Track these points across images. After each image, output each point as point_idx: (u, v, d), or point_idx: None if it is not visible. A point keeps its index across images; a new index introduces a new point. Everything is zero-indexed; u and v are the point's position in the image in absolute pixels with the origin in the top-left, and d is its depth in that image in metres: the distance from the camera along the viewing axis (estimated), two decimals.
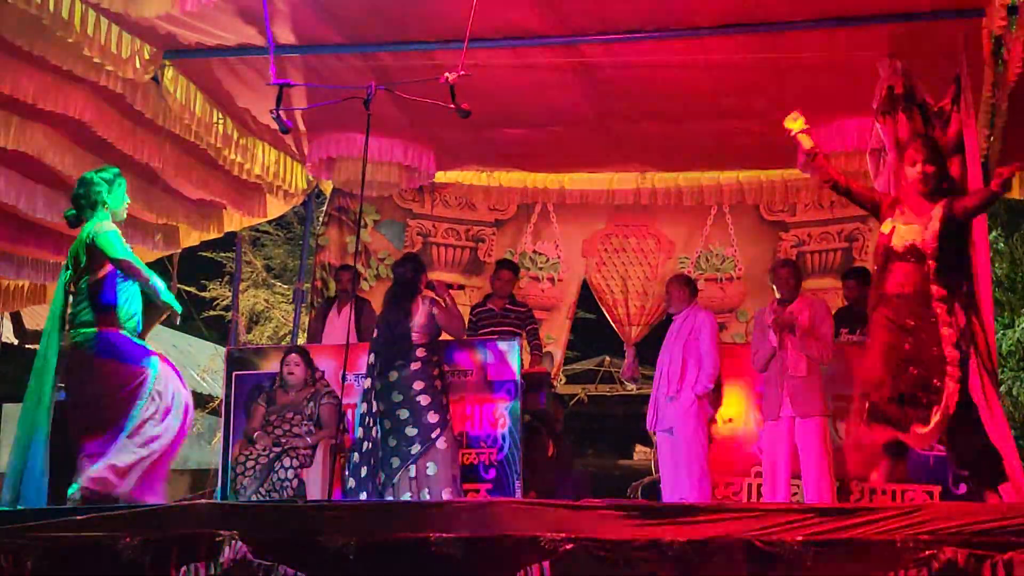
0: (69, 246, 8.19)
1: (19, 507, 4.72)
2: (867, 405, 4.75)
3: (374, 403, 6.06)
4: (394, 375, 6.00)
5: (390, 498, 5.81)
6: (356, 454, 6.06)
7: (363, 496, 5.88)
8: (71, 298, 5.04)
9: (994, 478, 4.71)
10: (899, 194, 5.00)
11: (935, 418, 4.59)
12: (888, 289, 4.79)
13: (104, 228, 5.04)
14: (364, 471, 5.99)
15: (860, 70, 5.66)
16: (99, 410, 4.89)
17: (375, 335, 6.24)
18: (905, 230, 4.78)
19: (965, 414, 4.64)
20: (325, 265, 8.90)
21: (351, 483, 6.04)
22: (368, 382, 6.14)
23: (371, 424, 6.04)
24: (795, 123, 5.03)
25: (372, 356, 6.17)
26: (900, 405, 4.66)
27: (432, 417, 5.93)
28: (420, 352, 6.04)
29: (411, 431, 5.89)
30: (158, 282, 5.12)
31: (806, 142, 5.04)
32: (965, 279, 4.84)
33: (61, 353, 4.99)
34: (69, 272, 5.06)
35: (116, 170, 5.23)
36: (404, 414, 5.93)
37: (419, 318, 6.08)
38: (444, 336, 6.31)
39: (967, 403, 4.66)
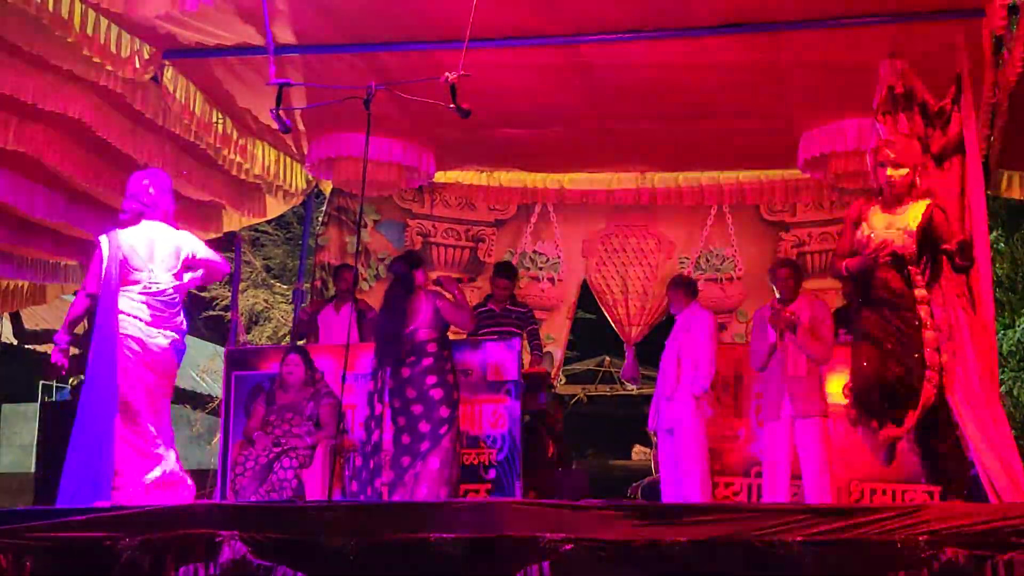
0: (69, 246, 8.21)
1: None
2: (850, 397, 4.83)
3: (377, 405, 6.01)
4: (407, 371, 5.96)
5: (397, 497, 5.79)
6: (360, 457, 6.03)
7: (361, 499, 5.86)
8: (151, 299, 5.11)
9: (959, 484, 4.80)
10: (870, 198, 5.03)
11: (908, 423, 4.62)
12: (873, 293, 4.81)
13: (198, 239, 5.33)
14: (364, 474, 5.97)
15: (860, 70, 5.66)
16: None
17: (377, 336, 6.20)
18: (885, 235, 4.82)
19: (938, 418, 4.70)
20: (325, 265, 8.90)
21: (354, 486, 6.02)
22: (371, 384, 6.09)
23: (374, 427, 6.00)
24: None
25: (374, 359, 6.14)
26: (881, 400, 4.69)
27: (444, 412, 5.89)
28: (431, 347, 5.99)
29: (424, 427, 5.85)
30: None
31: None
32: (946, 279, 4.87)
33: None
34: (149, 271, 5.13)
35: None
36: (418, 409, 5.88)
37: (424, 314, 6.04)
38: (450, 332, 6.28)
39: (942, 407, 4.71)
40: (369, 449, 5.99)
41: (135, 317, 5.02)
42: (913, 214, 4.83)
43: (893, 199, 4.87)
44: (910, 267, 4.71)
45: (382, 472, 5.96)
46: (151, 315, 5.07)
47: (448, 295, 6.15)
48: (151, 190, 5.22)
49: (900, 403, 4.67)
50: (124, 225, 5.19)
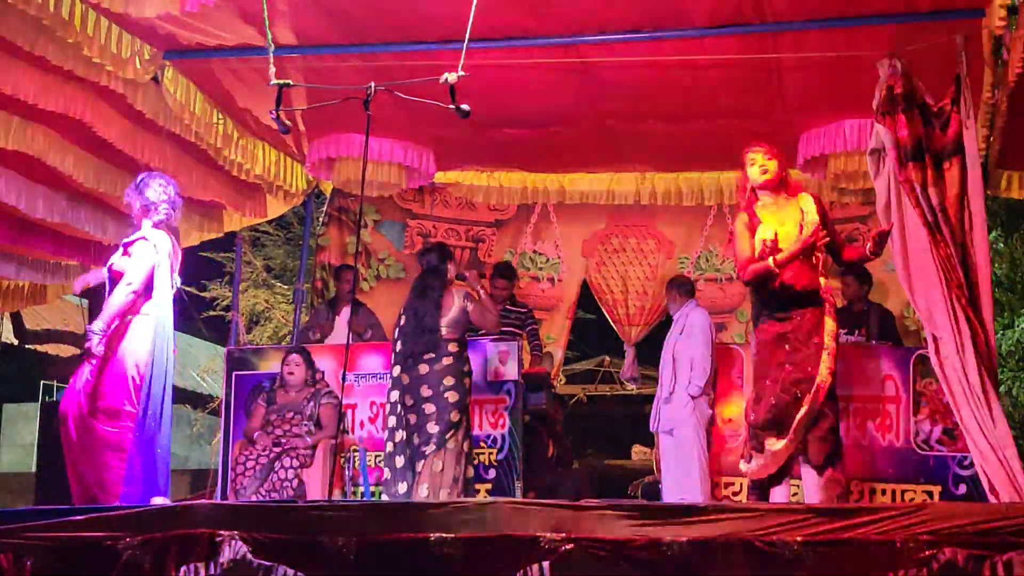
0: (69, 246, 8.23)
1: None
2: (749, 431, 5.10)
3: (399, 393, 5.95)
4: (424, 368, 5.91)
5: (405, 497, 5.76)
6: (390, 443, 5.96)
7: (402, 487, 5.81)
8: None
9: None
10: (753, 202, 5.21)
11: (796, 424, 4.84)
12: (778, 288, 4.98)
13: None
14: (400, 461, 5.90)
15: (860, 70, 5.66)
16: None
17: (401, 323, 6.14)
18: (785, 230, 4.99)
19: (826, 404, 4.94)
20: (325, 265, 8.91)
21: (387, 474, 5.93)
22: (396, 370, 6.04)
23: (403, 413, 5.95)
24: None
25: (399, 344, 6.09)
26: (774, 429, 4.92)
27: (454, 416, 5.84)
28: (452, 347, 5.94)
29: (432, 428, 5.81)
30: None
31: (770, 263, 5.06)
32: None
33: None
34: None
35: None
36: (430, 408, 5.83)
37: (453, 312, 6.00)
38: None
39: (832, 394, 4.99)
40: (402, 436, 5.92)
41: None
42: (802, 205, 5.05)
43: (771, 194, 5.09)
44: (816, 255, 4.85)
45: (416, 462, 5.87)
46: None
47: (474, 293, 6.11)
48: (177, 199, 5.36)
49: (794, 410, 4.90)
50: (158, 226, 5.27)
